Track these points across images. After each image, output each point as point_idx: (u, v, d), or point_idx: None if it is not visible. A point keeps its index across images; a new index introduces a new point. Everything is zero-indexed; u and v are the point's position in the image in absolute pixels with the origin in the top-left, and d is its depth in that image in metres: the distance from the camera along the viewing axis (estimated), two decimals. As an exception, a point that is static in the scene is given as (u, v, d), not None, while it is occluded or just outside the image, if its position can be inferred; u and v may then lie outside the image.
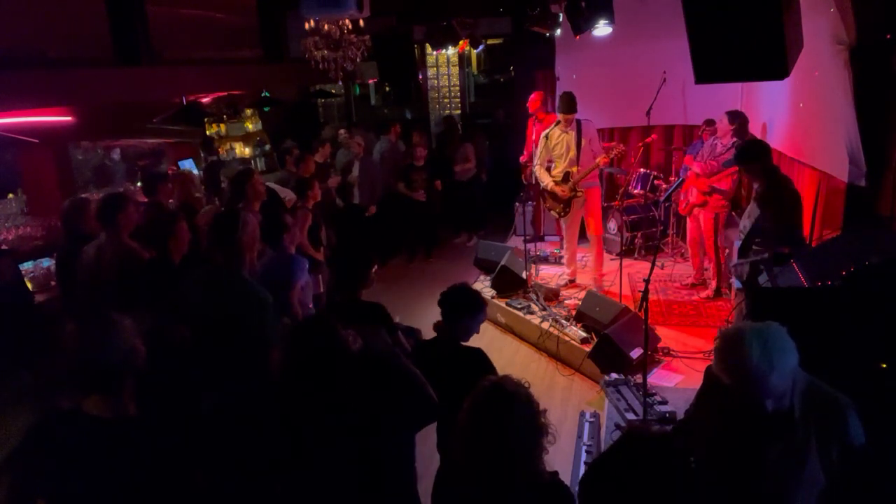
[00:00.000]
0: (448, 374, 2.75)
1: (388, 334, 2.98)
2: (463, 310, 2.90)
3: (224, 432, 2.39)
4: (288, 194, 5.60)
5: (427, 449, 3.10)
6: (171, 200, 5.20)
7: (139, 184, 6.78)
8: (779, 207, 4.26)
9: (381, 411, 2.25)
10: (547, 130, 6.28)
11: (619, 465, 1.65)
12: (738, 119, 5.67)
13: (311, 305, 3.97)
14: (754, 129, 6.42)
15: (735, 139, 5.62)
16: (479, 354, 2.88)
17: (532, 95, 7.43)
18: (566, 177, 6.18)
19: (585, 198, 6.21)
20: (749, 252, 4.46)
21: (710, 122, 6.31)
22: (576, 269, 6.67)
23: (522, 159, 7.70)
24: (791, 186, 4.38)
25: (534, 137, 7.45)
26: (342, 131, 8.79)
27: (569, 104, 5.97)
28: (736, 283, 5.20)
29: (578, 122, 6.07)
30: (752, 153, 4.44)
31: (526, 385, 1.93)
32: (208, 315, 3.20)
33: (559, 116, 6.09)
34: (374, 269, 3.29)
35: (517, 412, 1.82)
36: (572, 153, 6.10)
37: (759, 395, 1.93)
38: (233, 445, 2.33)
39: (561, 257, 7.46)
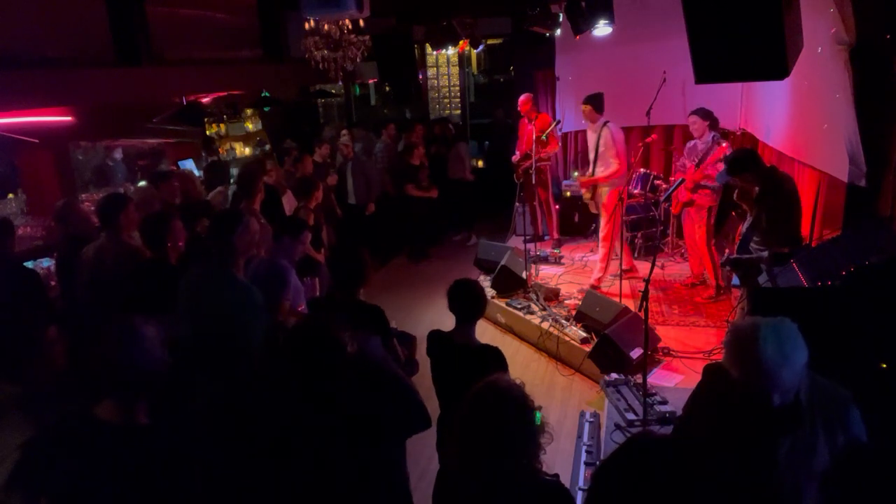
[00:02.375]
0: (459, 371, 2.77)
1: (384, 340, 3.01)
2: (457, 306, 2.97)
3: (217, 431, 2.39)
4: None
5: (428, 449, 3.10)
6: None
7: (142, 183, 6.80)
8: (774, 207, 4.26)
9: (371, 416, 2.26)
10: (550, 128, 6.51)
11: (624, 474, 1.65)
12: (708, 115, 5.85)
13: (302, 308, 3.94)
14: (754, 129, 6.42)
15: (713, 133, 5.82)
16: (494, 353, 2.88)
17: (522, 97, 7.45)
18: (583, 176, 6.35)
19: (597, 200, 6.34)
20: (747, 250, 4.46)
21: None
22: (603, 274, 6.50)
23: (515, 159, 7.72)
24: (789, 186, 4.36)
25: (526, 138, 7.51)
26: (344, 131, 8.82)
27: (587, 97, 6.13)
28: (734, 280, 5.20)
29: (604, 124, 6.15)
30: (742, 164, 4.40)
31: (521, 384, 1.93)
32: (200, 313, 3.20)
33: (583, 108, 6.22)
34: (370, 269, 3.30)
35: (509, 412, 1.82)
36: (591, 155, 6.22)
37: (769, 388, 1.93)
38: (226, 444, 2.32)
39: (561, 257, 7.49)
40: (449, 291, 3.01)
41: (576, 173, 8.48)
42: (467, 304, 2.98)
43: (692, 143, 6.02)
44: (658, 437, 1.72)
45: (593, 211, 6.72)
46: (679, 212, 6.21)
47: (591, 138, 6.28)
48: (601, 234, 6.45)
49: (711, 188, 5.79)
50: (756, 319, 2.04)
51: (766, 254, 4.23)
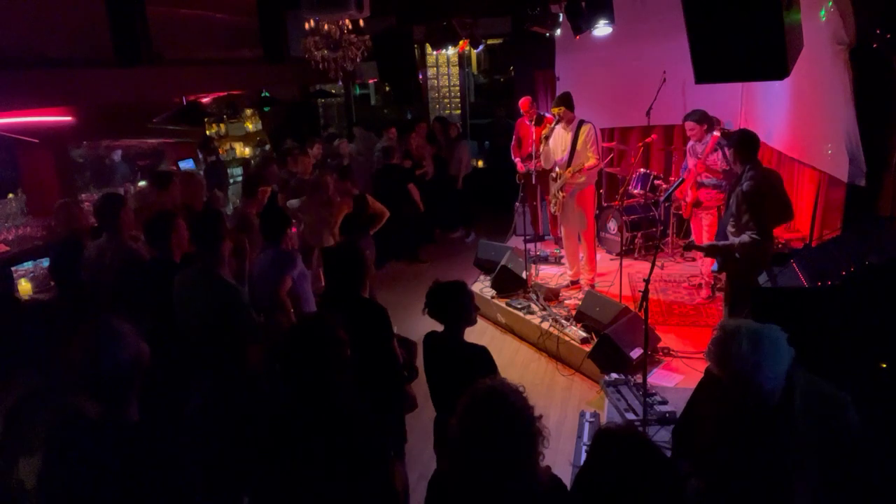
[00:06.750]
0: (449, 372, 2.76)
1: (388, 341, 3.00)
2: (442, 316, 2.95)
3: (208, 430, 2.39)
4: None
5: (427, 451, 3.10)
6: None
7: (141, 183, 6.81)
8: (745, 195, 4.20)
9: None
10: (548, 129, 6.31)
11: (598, 470, 1.68)
12: (704, 118, 5.72)
13: (310, 296, 4.04)
14: (754, 129, 6.40)
15: (712, 133, 5.70)
16: (482, 353, 2.88)
17: (521, 101, 7.43)
18: (558, 177, 6.20)
19: (569, 199, 6.22)
20: (724, 236, 4.45)
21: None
22: (578, 269, 6.66)
23: (518, 159, 7.72)
24: (771, 181, 4.30)
25: (534, 138, 7.50)
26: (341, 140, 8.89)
27: (559, 99, 6.06)
28: (713, 266, 5.18)
29: (580, 123, 6.07)
30: (749, 141, 4.36)
31: (521, 389, 1.89)
32: (187, 314, 3.24)
33: (553, 111, 6.13)
34: (369, 267, 3.32)
35: (510, 417, 1.79)
36: (566, 154, 6.12)
37: (740, 388, 1.99)
38: (217, 443, 2.32)
39: (561, 257, 7.48)
40: (427, 301, 2.96)
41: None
42: (450, 308, 2.94)
43: (691, 143, 5.95)
44: (621, 429, 1.76)
45: (555, 212, 6.59)
46: (689, 215, 6.05)
47: (564, 136, 6.14)
48: (586, 233, 6.41)
49: (715, 184, 5.72)
50: (741, 322, 2.07)
51: (737, 241, 4.21)
